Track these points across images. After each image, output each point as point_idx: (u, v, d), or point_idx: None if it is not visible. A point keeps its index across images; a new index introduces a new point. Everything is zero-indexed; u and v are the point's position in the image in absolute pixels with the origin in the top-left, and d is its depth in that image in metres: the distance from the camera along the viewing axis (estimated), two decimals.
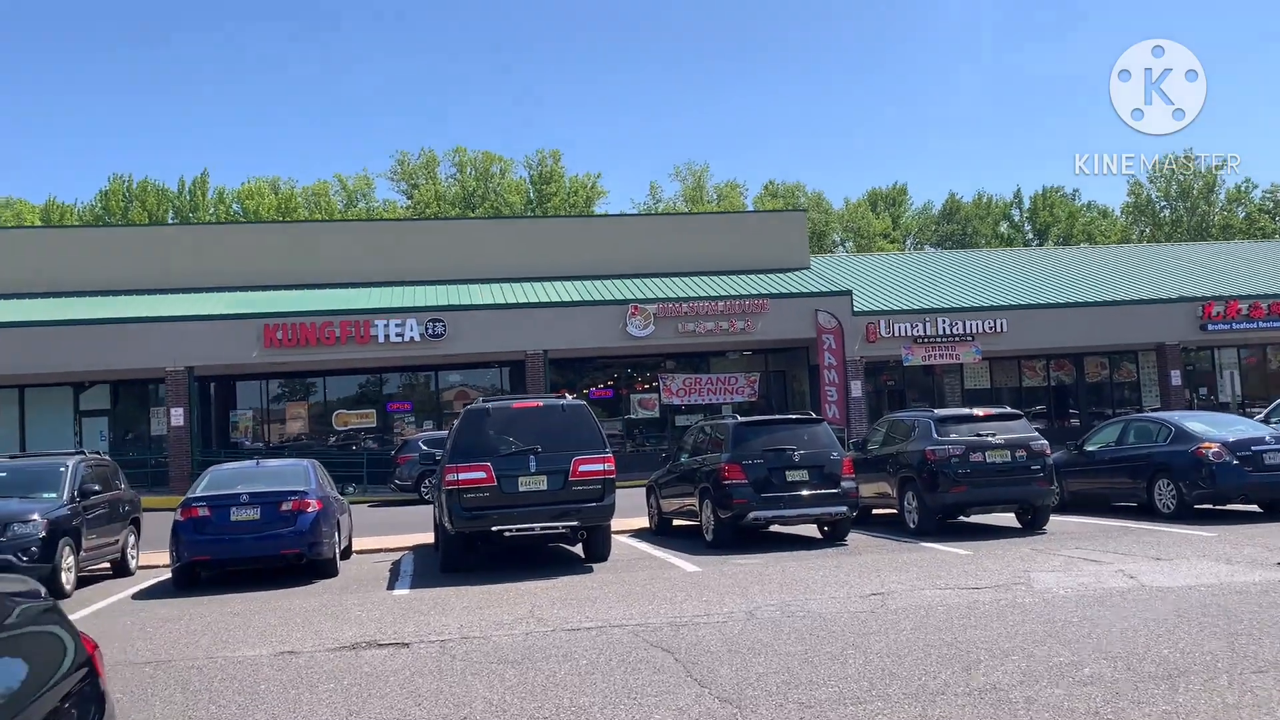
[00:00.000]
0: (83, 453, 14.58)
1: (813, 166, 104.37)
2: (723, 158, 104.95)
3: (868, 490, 15.81)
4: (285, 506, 12.87)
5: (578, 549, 14.13)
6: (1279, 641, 7.24)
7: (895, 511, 16.20)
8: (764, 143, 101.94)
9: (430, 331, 29.80)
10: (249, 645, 8.76)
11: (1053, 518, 15.52)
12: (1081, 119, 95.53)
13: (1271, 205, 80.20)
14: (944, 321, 33.07)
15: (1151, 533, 13.93)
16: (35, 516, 12.27)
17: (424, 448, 25.45)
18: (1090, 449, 17.37)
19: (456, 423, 13.20)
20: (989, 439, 14.61)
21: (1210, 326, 34.52)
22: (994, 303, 34.26)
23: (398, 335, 29.68)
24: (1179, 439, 15.50)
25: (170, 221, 64.01)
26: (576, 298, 31.75)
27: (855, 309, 32.66)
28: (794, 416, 15.37)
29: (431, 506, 16.04)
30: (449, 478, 12.58)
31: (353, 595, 11.72)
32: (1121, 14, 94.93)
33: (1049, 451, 14.93)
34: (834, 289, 33.04)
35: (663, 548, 14.83)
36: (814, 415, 15.05)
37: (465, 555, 13.41)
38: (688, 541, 15.33)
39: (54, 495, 13.06)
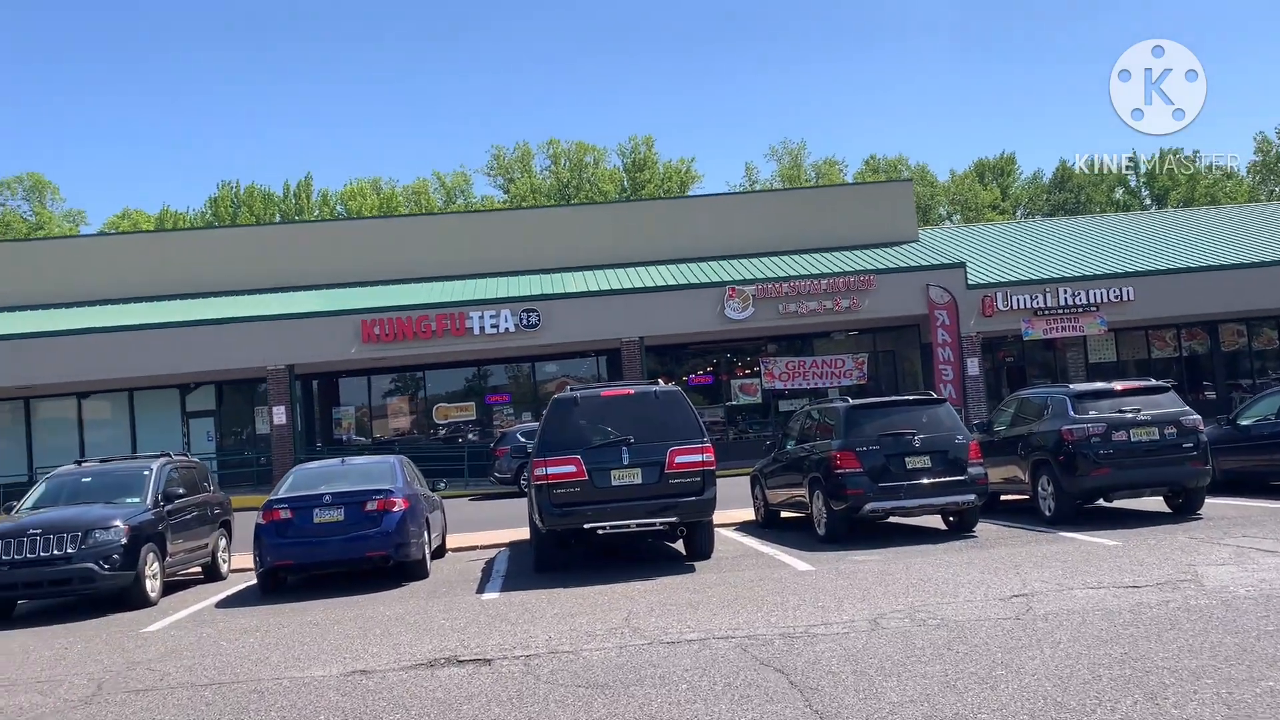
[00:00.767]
0: (168, 455, 14.20)
1: (915, 139, 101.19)
2: (820, 135, 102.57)
3: (995, 475, 14.39)
4: (370, 506, 12.21)
5: (679, 545, 13.16)
6: None
7: (1026, 498, 14.79)
8: (863, 117, 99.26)
9: (525, 322, 29.18)
10: (320, 663, 8.02)
11: (1206, 500, 13.89)
12: (1081, 119, 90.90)
13: None
14: (1065, 292, 30.96)
15: None
16: (117, 522, 11.85)
17: (521, 439, 24.83)
18: (1245, 423, 15.60)
19: (544, 414, 12.34)
20: (1134, 415, 13.08)
21: None
22: (1119, 270, 31.98)
23: (493, 326, 29.14)
24: None
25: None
26: (672, 282, 30.74)
27: (969, 282, 30.84)
28: (913, 397, 14.07)
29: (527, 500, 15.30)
30: (538, 472, 11.74)
31: (440, 600, 10.97)
32: (1121, 14, 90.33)
33: (1202, 427, 13.32)
34: (946, 261, 31.27)
35: (770, 543, 13.74)
36: (934, 395, 13.74)
37: (559, 553, 12.58)
38: (797, 535, 14.21)
39: (137, 500, 12.66)
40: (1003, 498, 15.55)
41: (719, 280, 30.46)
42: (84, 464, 14.28)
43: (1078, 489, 13.14)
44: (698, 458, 11.81)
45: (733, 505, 17.71)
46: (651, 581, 11.07)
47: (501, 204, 74.84)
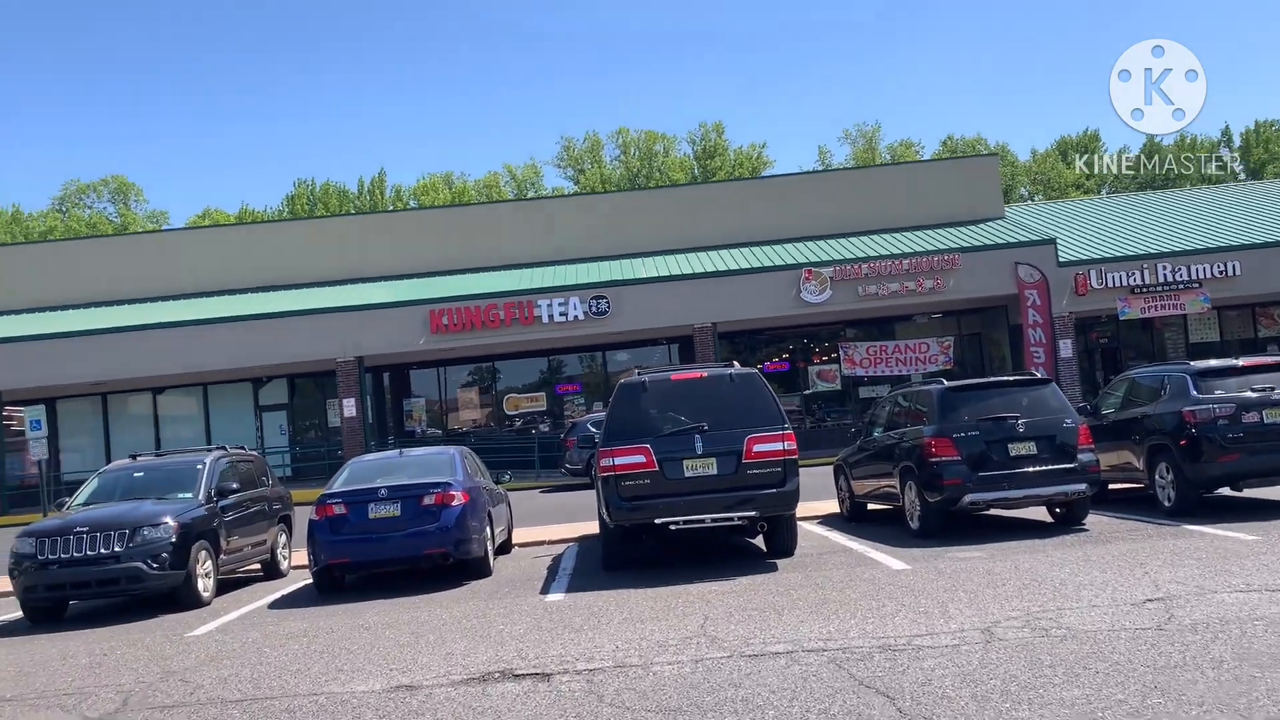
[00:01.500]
0: (223, 448, 13.67)
1: (993, 118, 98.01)
2: (895, 116, 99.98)
3: (1105, 462, 13.06)
4: (427, 500, 11.46)
5: (758, 540, 12.18)
6: None
7: (1140, 486, 13.49)
8: (938, 97, 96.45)
9: (594, 309, 28.39)
10: (363, 676, 7.25)
11: None
12: (1081, 119, 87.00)
13: None
14: (1164, 268, 29.12)
15: None
16: (167, 519, 11.29)
17: (591, 430, 24.03)
18: None
19: (610, 400, 11.45)
20: (1268, 394, 11.69)
21: None
22: (1223, 243, 29.97)
23: (561, 315, 28.41)
24: None
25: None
26: (744, 265, 29.63)
27: (1060, 260, 29.18)
28: (1014, 378, 12.85)
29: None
30: (604, 463, 10.86)
31: (501, 601, 10.17)
32: (1121, 14, 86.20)
33: None
34: (1034, 238, 29.63)
35: (858, 538, 12.68)
36: (1039, 374, 12.53)
37: (629, 550, 11.70)
38: (887, 529, 13.12)
39: (189, 495, 12.11)
40: (1111, 486, 14.21)
41: (794, 262, 29.29)
42: (139, 458, 13.81)
43: (1203, 476, 11.82)
44: (778, 445, 10.82)
45: (815, 497, 16.65)
46: (729, 582, 10.12)
47: (570, 193, 74.45)
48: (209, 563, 11.78)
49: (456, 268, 31.79)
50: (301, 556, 14.56)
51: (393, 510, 11.44)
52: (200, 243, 35.19)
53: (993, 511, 12.80)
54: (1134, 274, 29.13)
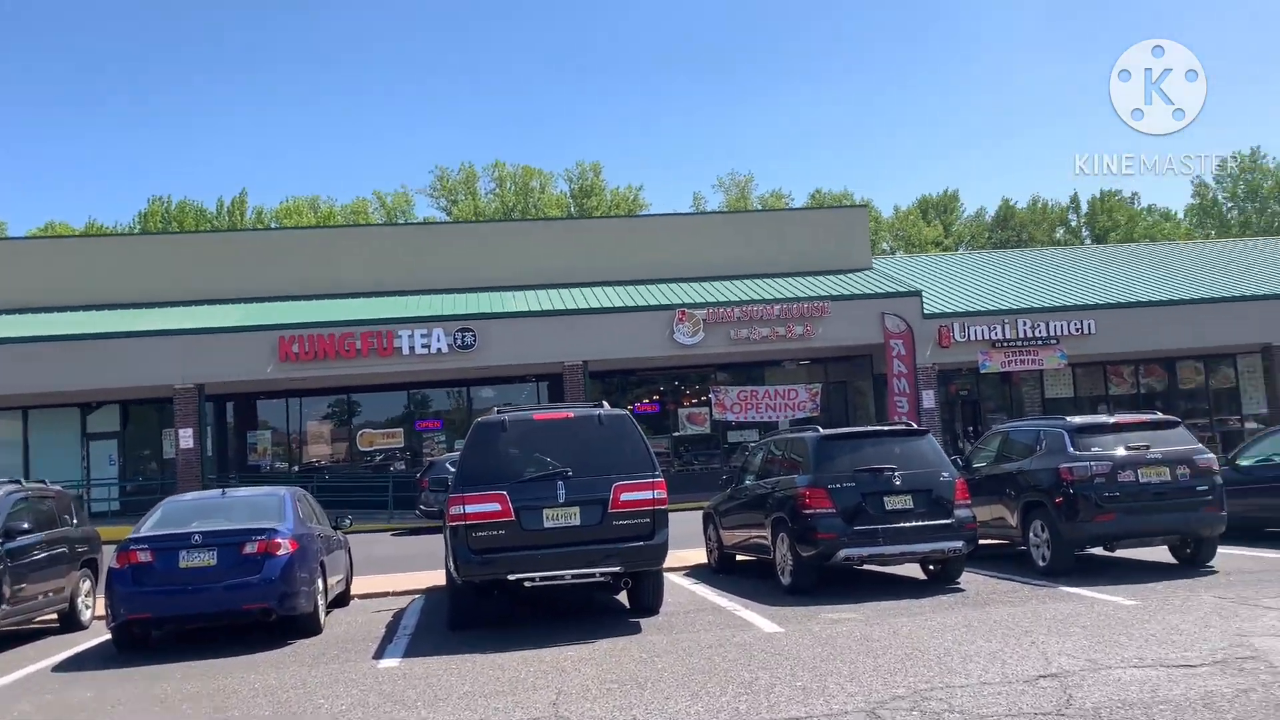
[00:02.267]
0: (17, 482, 11.98)
1: (860, 174, 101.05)
2: (767, 168, 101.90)
3: (977, 518, 12.71)
4: (249, 549, 10.12)
5: (622, 595, 11.26)
6: None
7: (1009, 543, 13.19)
8: (809, 152, 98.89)
9: (459, 342, 27.14)
10: None
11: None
12: (1081, 119, 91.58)
13: None
14: (1025, 323, 29.78)
15: None
16: None
17: (450, 469, 22.71)
18: (1246, 463, 14.17)
19: (465, 440, 10.38)
20: (1143, 453, 11.48)
21: None
22: (1080, 302, 30.90)
23: (424, 347, 27.05)
24: None
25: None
26: (619, 303, 28.93)
27: (925, 311, 29.51)
28: (891, 427, 12.37)
29: None
30: (454, 510, 9.77)
31: (327, 667, 8.93)
32: (1121, 14, 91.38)
33: (1217, 468, 11.79)
34: (901, 289, 29.91)
35: (728, 593, 11.89)
36: (915, 425, 12.10)
37: (479, 608, 10.59)
38: (757, 584, 12.38)
39: None
40: (983, 542, 13.86)
41: (668, 303, 28.74)
42: None
43: (1078, 536, 11.50)
44: (648, 494, 9.96)
45: (682, 545, 15.82)
46: (588, 646, 9.14)
47: (440, 221, 72.86)
48: None
49: (312, 293, 30.02)
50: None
51: (207, 559, 10.05)
52: (34, 254, 32.37)
53: (866, 567, 12.20)
54: (995, 328, 29.69)
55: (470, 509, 9.65)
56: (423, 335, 27.03)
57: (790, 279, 31.41)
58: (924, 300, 29.80)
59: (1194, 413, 33.46)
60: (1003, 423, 32.24)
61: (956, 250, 78.72)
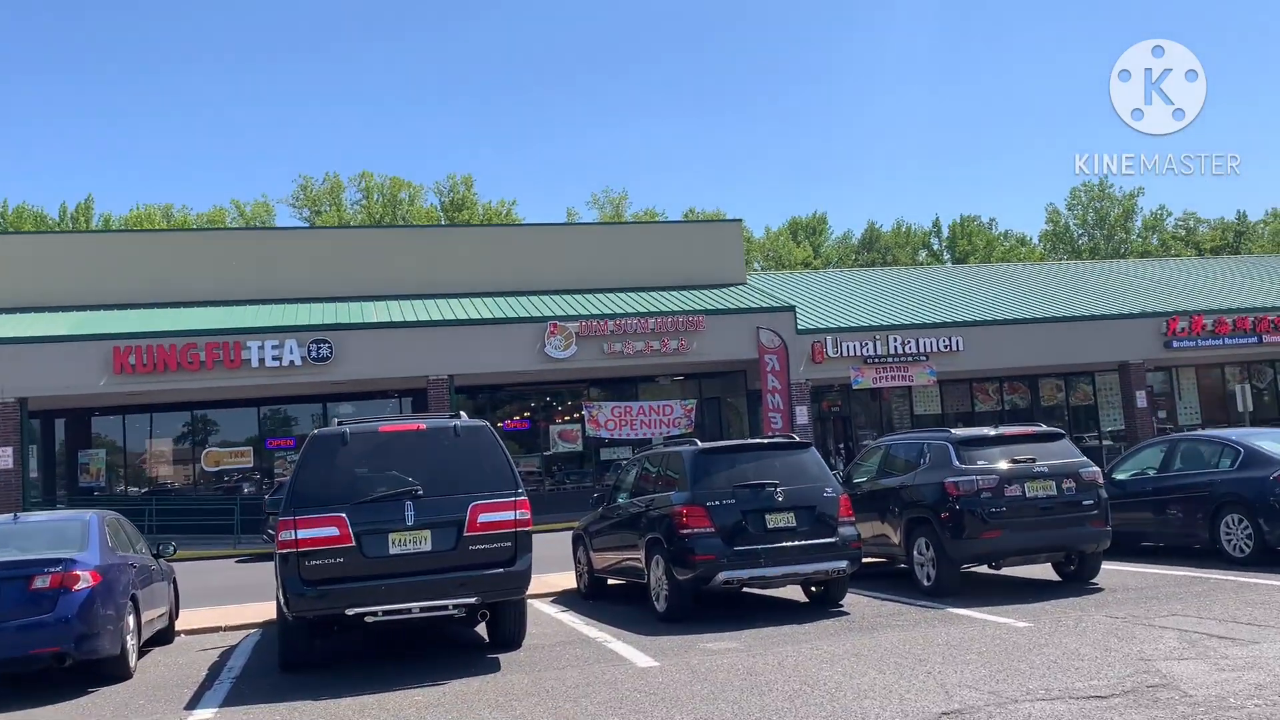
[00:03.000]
0: None
1: (732, 196, 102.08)
2: (641, 187, 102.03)
3: None
4: (39, 583, 8.64)
5: (481, 627, 10.17)
6: None
7: (889, 561, 12.65)
8: (683, 173, 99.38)
9: (314, 354, 25.45)
10: None
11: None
12: (1081, 119, 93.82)
13: (1184, 232, 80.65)
14: (896, 340, 29.90)
15: (1244, 586, 10.54)
16: None
17: None
18: (1121, 477, 14.03)
19: (299, 456, 9.14)
20: (1030, 466, 11.05)
21: (1175, 343, 32.04)
22: (949, 319, 31.26)
23: (275, 359, 25.25)
24: (1250, 463, 12.21)
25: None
26: (487, 315, 27.74)
27: (799, 327, 29.31)
28: (770, 440, 11.64)
29: None
30: (284, 536, 8.53)
31: None
32: (1121, 14, 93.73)
33: (1101, 481, 11.46)
34: (775, 305, 29.64)
35: (598, 622, 10.92)
36: (797, 438, 11.43)
37: (314, 646, 9.34)
38: (630, 610, 11.46)
39: None
40: (864, 561, 13.31)
41: (539, 315, 27.70)
42: None
43: (965, 554, 10.98)
44: (509, 515, 8.92)
45: (550, 568, 14.86)
46: (438, 688, 8.04)
47: (295, 227, 70.08)
48: None
49: (152, 301, 27.79)
50: None
51: None
52: None
53: (746, 590, 11.43)
54: (867, 344, 29.71)
55: (303, 534, 8.44)
56: (274, 346, 25.25)
57: (665, 293, 30.81)
58: (798, 316, 29.60)
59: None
60: (874, 439, 32.64)
61: (825, 270, 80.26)
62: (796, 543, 10.34)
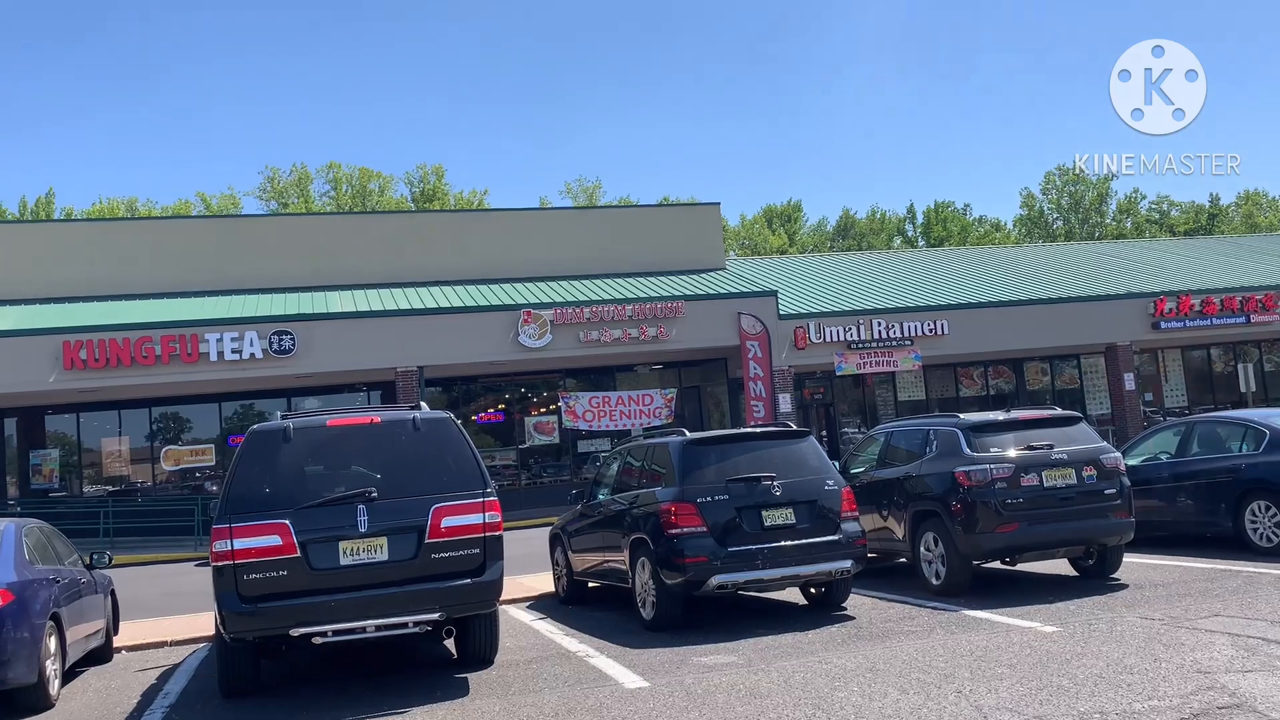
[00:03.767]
0: None
1: (706, 185, 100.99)
2: (615, 176, 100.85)
3: None
4: None
5: (449, 642, 9.17)
6: None
7: (881, 556, 11.73)
8: (657, 162, 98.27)
9: (275, 346, 24.26)
10: None
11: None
12: (1081, 119, 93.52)
13: (1158, 215, 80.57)
14: (880, 324, 29.02)
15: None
16: None
17: None
18: (1133, 463, 13.14)
19: (235, 455, 8.06)
20: (1047, 453, 10.14)
21: (1163, 324, 31.38)
22: (934, 302, 30.44)
23: (234, 352, 24.04)
24: (1277, 445, 11.36)
25: None
26: (458, 304, 26.64)
27: (781, 312, 28.39)
28: (765, 428, 10.67)
29: None
30: (218, 546, 7.48)
31: None
32: (1121, 14, 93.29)
33: (1124, 468, 10.57)
34: (757, 290, 28.71)
35: (578, 632, 9.93)
36: (793, 426, 10.44)
37: (258, 668, 8.29)
38: (614, 618, 10.49)
39: None
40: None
41: (512, 303, 26.62)
42: None
43: (978, 549, 10.06)
44: (476, 518, 7.91)
45: (525, 568, 13.87)
46: (399, 717, 7.03)
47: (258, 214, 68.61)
48: None
49: (103, 293, 26.48)
50: None
51: None
52: None
53: (739, 593, 10.47)
54: (850, 329, 28.83)
55: (240, 544, 7.39)
56: (233, 339, 24.04)
57: (642, 278, 29.82)
58: (779, 301, 28.69)
59: None
60: (856, 428, 31.74)
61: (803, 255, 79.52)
62: (796, 541, 9.39)
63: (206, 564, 7.85)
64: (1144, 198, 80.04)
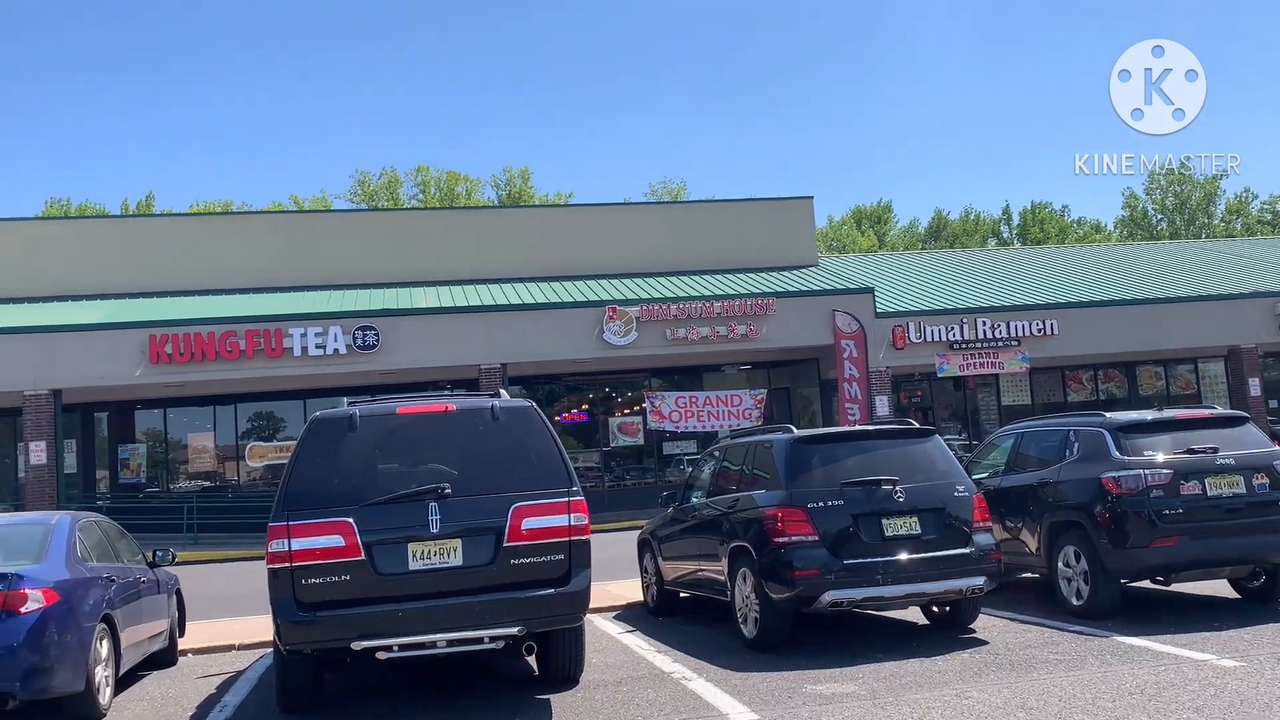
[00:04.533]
0: None
1: (792, 188, 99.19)
2: (700, 178, 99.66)
3: None
4: None
5: (528, 657, 8.27)
6: None
7: (1019, 571, 10.47)
8: (742, 165, 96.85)
9: (359, 342, 23.86)
10: None
11: None
12: (1081, 119, 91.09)
13: (1270, 215, 76.41)
14: (984, 324, 27.45)
15: None
16: None
17: None
18: None
19: (296, 445, 7.26)
20: (1211, 457, 8.83)
21: None
22: (1042, 300, 28.73)
23: (318, 347, 23.71)
24: None
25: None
26: (542, 300, 25.93)
27: (878, 310, 27.03)
28: (886, 426, 9.55)
29: None
30: (274, 546, 6.69)
31: None
32: (1121, 14, 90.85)
33: None
34: (852, 286, 27.41)
35: (672, 649, 8.95)
36: (916, 424, 9.34)
37: (320, 681, 7.50)
38: (710, 632, 9.49)
39: None
40: None
41: (597, 299, 25.80)
42: None
43: (1130, 567, 8.81)
44: (561, 520, 6.99)
45: (611, 574, 12.94)
46: None
47: (341, 209, 69.31)
48: None
49: (190, 288, 26.39)
50: None
51: None
52: None
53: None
54: (953, 329, 27.33)
55: (298, 544, 6.59)
56: (317, 334, 23.70)
57: (731, 275, 28.74)
58: (876, 298, 27.34)
59: None
60: (957, 433, 30.10)
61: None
62: (922, 554, 8.26)
63: None
64: (1255, 197, 76.17)
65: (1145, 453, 8.94)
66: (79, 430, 26.67)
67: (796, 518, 8.23)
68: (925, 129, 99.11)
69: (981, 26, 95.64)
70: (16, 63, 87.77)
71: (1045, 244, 74.68)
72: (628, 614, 11.27)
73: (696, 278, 28.55)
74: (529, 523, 6.90)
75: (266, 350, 23.44)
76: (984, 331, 27.45)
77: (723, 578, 9.23)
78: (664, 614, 10.95)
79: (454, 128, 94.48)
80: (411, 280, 27.55)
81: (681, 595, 11.00)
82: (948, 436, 31.67)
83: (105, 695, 7.81)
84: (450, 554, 6.79)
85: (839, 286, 27.42)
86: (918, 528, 8.35)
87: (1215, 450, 8.88)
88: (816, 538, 8.19)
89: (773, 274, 29.05)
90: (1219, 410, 9.86)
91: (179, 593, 10.65)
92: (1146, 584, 9.53)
